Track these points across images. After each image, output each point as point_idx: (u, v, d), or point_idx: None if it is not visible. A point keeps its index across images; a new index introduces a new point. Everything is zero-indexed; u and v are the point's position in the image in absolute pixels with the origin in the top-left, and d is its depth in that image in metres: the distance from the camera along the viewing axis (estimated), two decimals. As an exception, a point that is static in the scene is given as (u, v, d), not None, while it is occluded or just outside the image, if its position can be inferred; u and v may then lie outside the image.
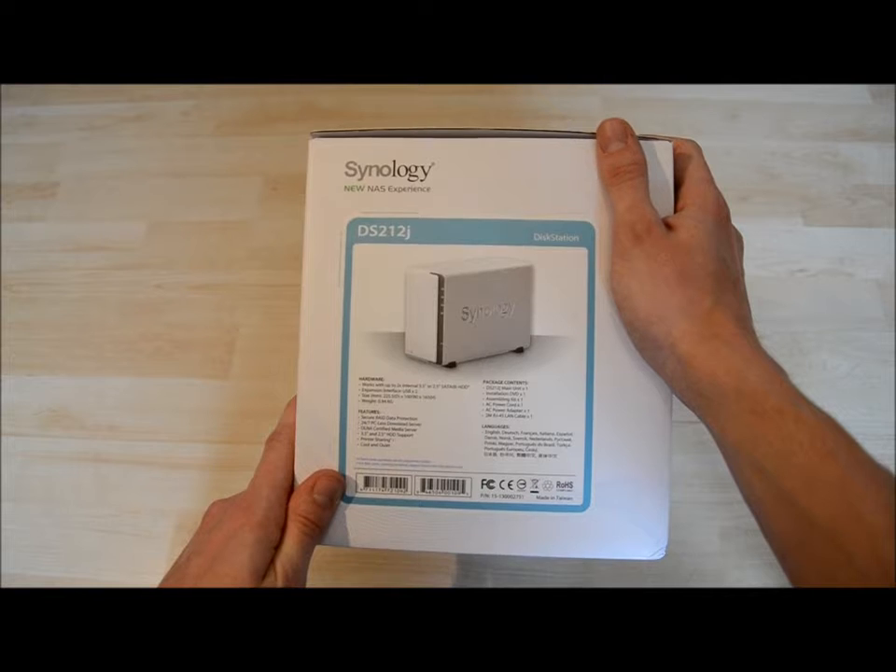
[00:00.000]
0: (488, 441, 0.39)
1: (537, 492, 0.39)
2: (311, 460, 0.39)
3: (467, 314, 0.39)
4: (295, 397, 0.40)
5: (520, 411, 0.39)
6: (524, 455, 0.39)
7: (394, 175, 0.39)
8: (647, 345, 0.36)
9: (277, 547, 0.36)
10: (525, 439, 0.39)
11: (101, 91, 0.86)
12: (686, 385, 0.34)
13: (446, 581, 0.59)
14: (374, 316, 0.39)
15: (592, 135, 0.39)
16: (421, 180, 0.39)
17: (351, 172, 0.40)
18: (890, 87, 0.80)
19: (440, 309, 0.39)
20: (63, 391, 0.69)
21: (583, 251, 0.39)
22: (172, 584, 0.35)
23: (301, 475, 0.39)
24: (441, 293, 0.38)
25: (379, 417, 0.39)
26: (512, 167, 0.39)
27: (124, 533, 0.62)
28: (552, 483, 0.39)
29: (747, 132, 0.80)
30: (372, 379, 0.39)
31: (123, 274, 0.74)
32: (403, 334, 0.39)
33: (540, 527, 0.39)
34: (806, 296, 0.70)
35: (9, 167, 0.82)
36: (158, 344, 0.70)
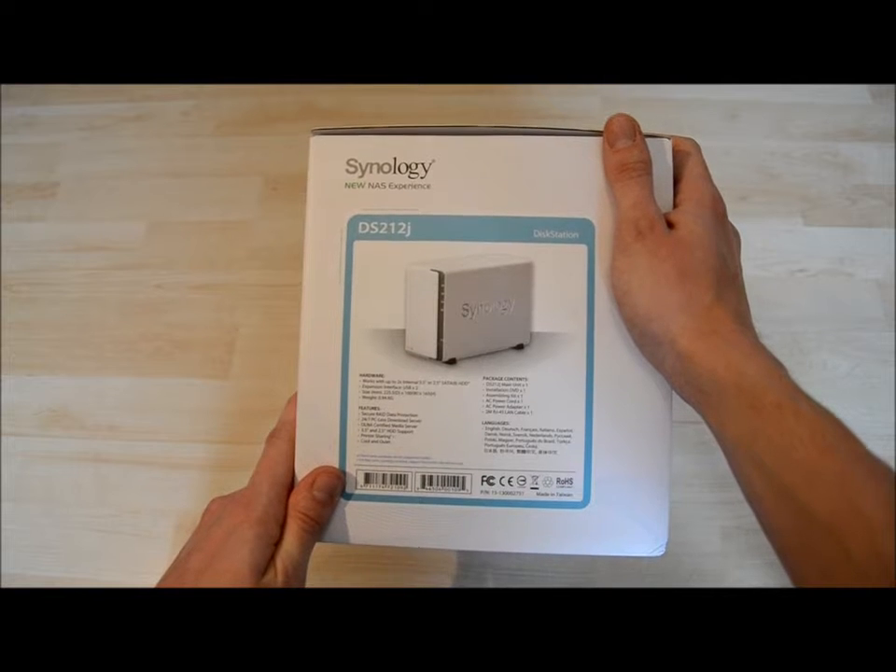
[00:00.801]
0: (488, 437, 0.39)
1: (537, 488, 0.39)
2: (311, 457, 0.39)
3: (467, 310, 0.39)
4: (295, 393, 0.40)
5: (520, 407, 0.39)
6: (524, 451, 0.39)
7: (394, 172, 0.40)
8: (646, 341, 0.36)
9: (277, 543, 0.36)
10: (525, 435, 0.39)
11: (101, 90, 0.86)
12: (685, 381, 0.34)
13: (447, 581, 0.59)
14: (375, 313, 0.39)
15: (592, 133, 0.39)
16: (421, 177, 0.39)
17: (352, 169, 0.40)
18: (890, 87, 0.80)
19: (440, 306, 0.39)
20: (63, 391, 0.68)
21: (583, 248, 0.39)
22: (172, 581, 0.35)
23: (302, 472, 0.39)
24: (441, 290, 0.39)
25: (379, 414, 0.39)
26: (512, 164, 0.39)
27: (124, 533, 0.62)
28: (552, 479, 0.39)
29: (747, 132, 0.80)
30: (373, 375, 0.39)
31: (123, 274, 0.74)
32: (404, 331, 0.39)
33: (540, 524, 0.39)
34: (806, 296, 0.70)
35: (9, 167, 0.82)
36: (158, 344, 0.70)
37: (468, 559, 0.59)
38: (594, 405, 0.38)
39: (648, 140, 0.38)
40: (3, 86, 0.86)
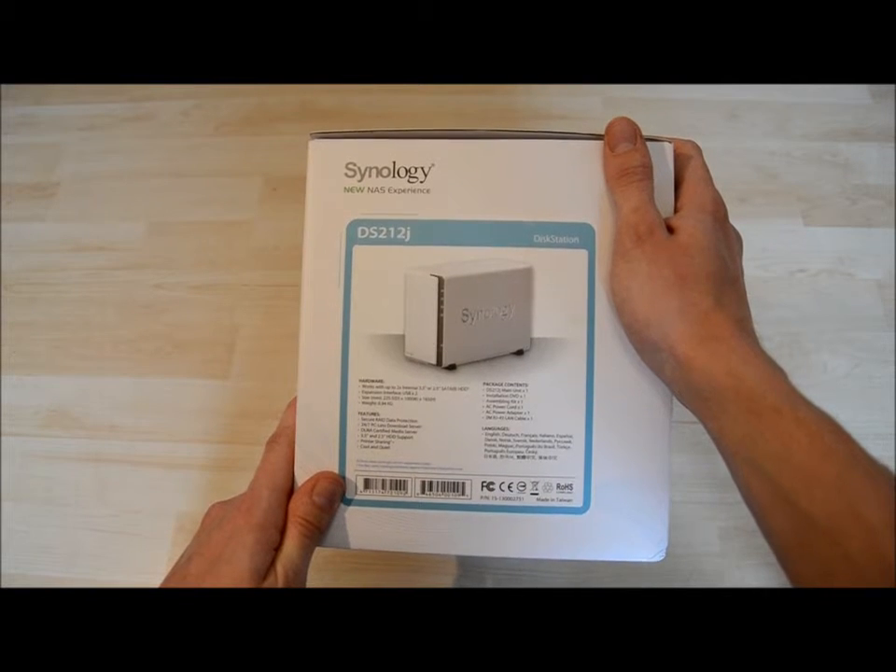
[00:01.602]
0: (488, 442, 0.39)
1: (537, 494, 0.39)
2: (311, 462, 0.39)
3: (467, 315, 0.39)
4: (295, 398, 0.40)
5: (520, 413, 0.39)
6: (524, 456, 0.39)
7: (394, 176, 0.39)
8: (646, 347, 0.36)
9: (277, 549, 0.36)
10: (525, 441, 0.39)
11: (101, 90, 0.86)
12: (685, 387, 0.34)
13: (446, 581, 0.59)
14: (374, 318, 0.39)
15: (591, 136, 0.39)
16: (421, 181, 0.39)
17: (351, 173, 0.40)
18: (890, 87, 0.80)
19: (439, 311, 0.39)
20: (63, 391, 0.69)
21: (583, 252, 0.39)
22: (173, 585, 0.35)
23: (301, 477, 0.39)
24: (440, 295, 0.38)
25: (379, 419, 0.39)
26: (512, 168, 0.39)
27: (124, 533, 0.62)
28: (552, 484, 0.39)
29: (747, 132, 0.80)
30: (372, 381, 0.39)
31: (123, 274, 0.74)
32: (403, 336, 0.39)
33: (540, 529, 0.39)
34: (806, 296, 0.70)
35: (9, 167, 0.82)
36: (158, 344, 0.70)
37: (467, 560, 0.60)
38: (594, 411, 0.38)
39: (649, 144, 0.38)
40: (3, 86, 0.86)
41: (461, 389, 0.39)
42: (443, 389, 0.39)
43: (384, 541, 0.39)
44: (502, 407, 0.39)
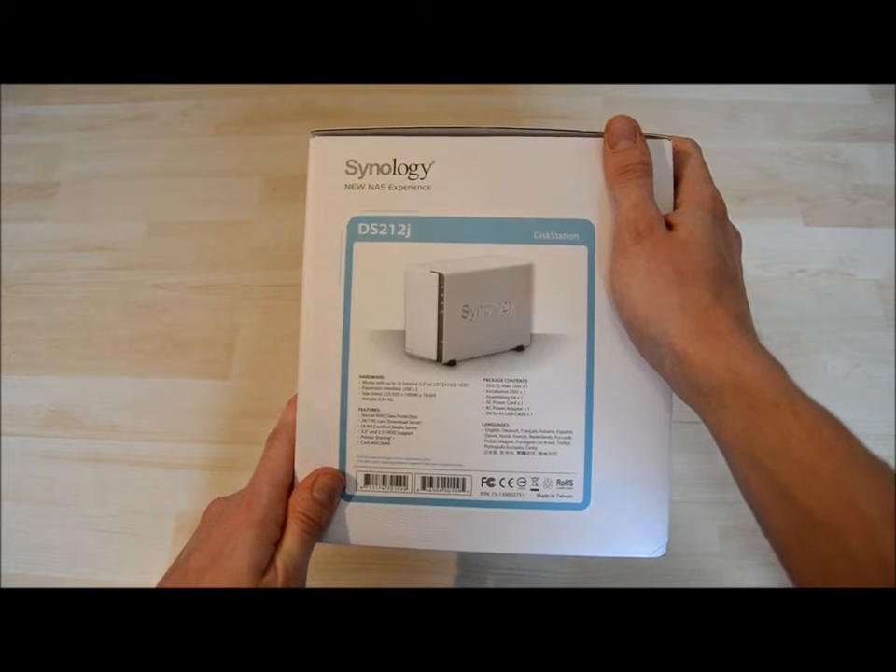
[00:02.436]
0: (488, 438, 0.39)
1: (537, 490, 0.39)
2: (311, 458, 0.39)
3: (467, 312, 0.39)
4: (296, 395, 0.40)
5: (520, 409, 0.39)
6: (524, 452, 0.39)
7: (394, 173, 0.39)
8: (645, 343, 0.36)
9: (277, 544, 0.36)
10: (525, 437, 0.39)
11: (101, 90, 0.86)
12: (684, 382, 0.34)
13: (447, 581, 0.59)
14: (374, 314, 0.39)
15: (591, 134, 0.39)
16: (421, 178, 0.39)
17: (351, 170, 0.40)
18: (890, 87, 0.80)
19: (440, 307, 0.39)
20: (63, 391, 0.69)
21: (583, 249, 0.39)
22: (173, 581, 0.35)
23: (302, 473, 0.39)
24: (441, 291, 0.38)
25: (379, 415, 0.39)
26: (512, 165, 0.39)
27: (124, 533, 0.62)
28: (552, 480, 0.39)
29: (747, 132, 0.80)
30: (373, 377, 0.39)
31: (123, 274, 0.74)
32: (403, 332, 0.39)
33: (541, 526, 0.39)
34: (806, 296, 0.70)
35: (9, 167, 0.82)
36: (158, 344, 0.70)
37: (467, 559, 0.60)
38: (594, 407, 0.38)
39: (648, 141, 0.38)
40: (3, 86, 0.86)
41: (461, 385, 0.39)
42: (444, 385, 0.39)
43: (384, 537, 0.39)
44: (502, 403, 0.39)
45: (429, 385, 0.39)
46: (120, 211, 0.78)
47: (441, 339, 0.39)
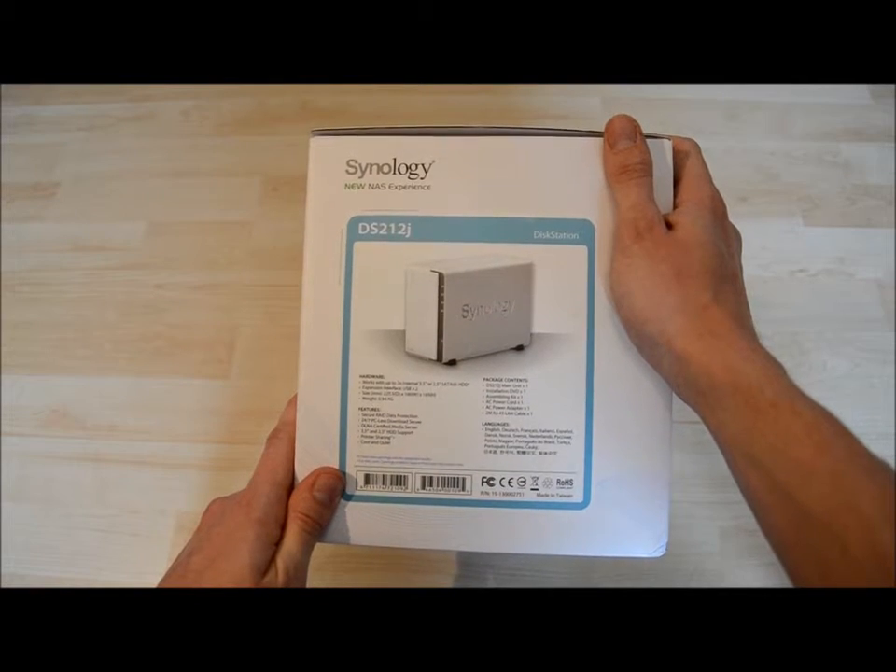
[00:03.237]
0: (488, 438, 0.39)
1: (537, 489, 0.39)
2: (311, 458, 0.39)
3: (467, 311, 0.39)
4: (295, 394, 0.40)
5: (520, 408, 0.39)
6: (524, 452, 0.39)
7: (394, 172, 0.40)
8: (644, 343, 0.36)
9: (278, 544, 0.36)
10: (525, 436, 0.39)
11: (101, 90, 0.86)
12: (683, 382, 0.34)
13: (447, 581, 0.59)
14: (375, 314, 0.39)
15: (591, 133, 0.39)
16: (421, 178, 0.39)
17: (351, 170, 0.40)
18: (890, 87, 0.80)
19: (440, 307, 0.39)
20: (63, 391, 0.68)
21: (583, 249, 0.39)
22: (173, 581, 0.35)
23: (302, 472, 0.39)
24: (441, 291, 0.39)
25: (379, 415, 0.39)
26: (512, 165, 0.39)
27: (124, 533, 0.62)
28: (552, 480, 0.39)
29: (747, 132, 0.80)
30: (373, 376, 0.39)
31: (123, 274, 0.74)
32: (403, 332, 0.39)
33: (541, 525, 0.39)
34: (806, 296, 0.70)
35: (9, 167, 0.82)
36: (158, 344, 0.70)
37: (468, 559, 0.60)
38: (594, 406, 0.38)
39: (648, 141, 0.38)
40: (3, 86, 0.86)
41: (461, 385, 0.39)
42: (443, 385, 0.39)
43: (384, 537, 0.39)
44: (502, 402, 0.39)
45: (429, 384, 0.39)
46: (120, 211, 0.78)
47: (441, 338, 0.39)
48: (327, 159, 0.40)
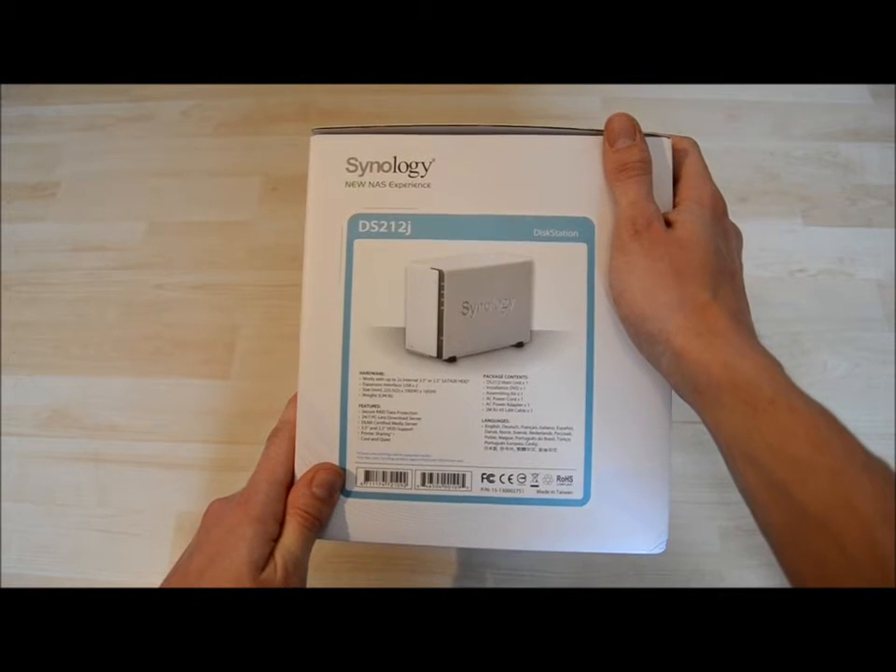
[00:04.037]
0: (488, 435, 0.39)
1: (537, 486, 0.39)
2: (311, 455, 0.39)
3: (467, 308, 0.39)
4: (296, 394, 0.40)
5: (520, 405, 0.39)
6: (524, 448, 0.39)
7: (395, 170, 0.40)
8: (643, 340, 0.36)
9: (277, 540, 0.36)
10: (525, 433, 0.39)
11: (101, 90, 0.86)
12: (682, 379, 0.34)
13: (446, 581, 0.59)
14: (375, 311, 0.39)
15: (591, 132, 0.39)
16: (422, 176, 0.40)
17: (352, 168, 0.40)
18: (890, 87, 0.80)
19: (440, 304, 0.39)
20: (63, 391, 0.68)
21: (583, 246, 0.39)
22: (175, 582, 0.36)
23: (301, 469, 0.39)
24: (441, 288, 0.39)
25: (379, 411, 0.39)
26: (512, 163, 0.39)
27: (124, 533, 0.62)
28: (552, 476, 0.39)
29: (746, 132, 0.80)
30: (373, 373, 0.39)
31: (123, 274, 0.74)
32: (404, 329, 0.39)
33: (541, 522, 0.39)
34: (806, 296, 0.70)
35: (9, 167, 0.82)
36: (158, 344, 0.70)
37: (467, 559, 0.59)
38: (593, 403, 0.39)
39: (648, 139, 0.39)
40: (3, 86, 0.86)
41: (461, 381, 0.39)
42: (444, 381, 0.39)
43: (384, 534, 0.39)
44: (502, 399, 0.39)
45: (429, 381, 0.39)
46: (120, 211, 0.78)
47: (442, 335, 0.39)
48: (327, 157, 0.40)
